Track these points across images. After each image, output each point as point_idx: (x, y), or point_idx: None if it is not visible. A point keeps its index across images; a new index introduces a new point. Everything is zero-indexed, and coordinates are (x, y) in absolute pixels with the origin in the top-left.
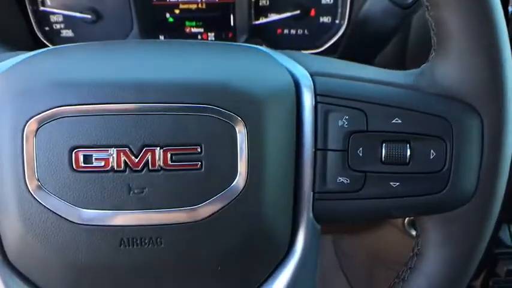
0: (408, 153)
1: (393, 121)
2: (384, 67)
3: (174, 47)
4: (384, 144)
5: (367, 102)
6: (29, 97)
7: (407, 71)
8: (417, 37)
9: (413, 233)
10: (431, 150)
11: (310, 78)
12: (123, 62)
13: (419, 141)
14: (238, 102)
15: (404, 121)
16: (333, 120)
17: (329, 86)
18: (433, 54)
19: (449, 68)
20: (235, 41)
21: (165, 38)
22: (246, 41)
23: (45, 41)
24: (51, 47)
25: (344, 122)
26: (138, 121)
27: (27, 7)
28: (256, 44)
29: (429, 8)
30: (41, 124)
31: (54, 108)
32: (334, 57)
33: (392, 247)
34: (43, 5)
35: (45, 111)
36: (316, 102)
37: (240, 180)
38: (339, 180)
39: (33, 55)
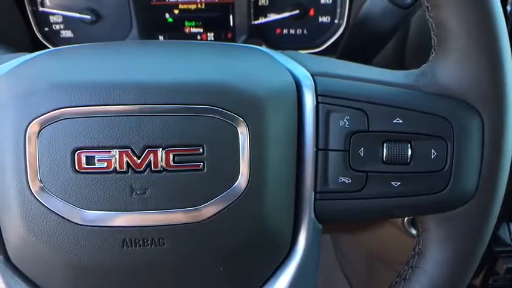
0: (409, 153)
1: (394, 121)
2: (384, 67)
3: (175, 48)
4: (385, 144)
5: (368, 103)
6: (31, 99)
7: (407, 71)
8: (416, 37)
9: (414, 232)
10: (432, 150)
11: (311, 79)
12: (125, 63)
13: (420, 141)
14: (240, 103)
15: (405, 121)
16: (334, 121)
17: (330, 87)
18: (434, 54)
19: (449, 68)
20: (234, 41)
21: (164, 38)
22: (246, 41)
23: (44, 42)
24: (51, 48)
25: (345, 122)
26: (140, 122)
27: (27, 8)
28: (256, 44)
29: (429, 8)
30: (44, 126)
31: (56, 109)
32: (334, 57)
33: (392, 246)
34: (42, 5)
35: (47, 112)
36: (318, 103)
37: (242, 180)
38: (341, 180)
39: (35, 57)
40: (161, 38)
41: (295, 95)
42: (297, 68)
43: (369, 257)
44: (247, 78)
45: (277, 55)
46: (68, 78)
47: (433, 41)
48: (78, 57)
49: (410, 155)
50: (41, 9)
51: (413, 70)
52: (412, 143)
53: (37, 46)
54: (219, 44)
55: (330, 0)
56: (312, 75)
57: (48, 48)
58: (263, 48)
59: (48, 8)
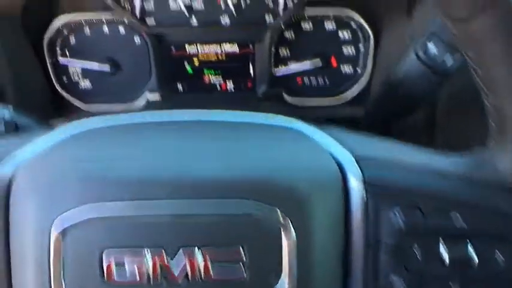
0: (470, 252)
1: (451, 216)
2: (412, 125)
3: (208, 132)
4: (442, 241)
5: (421, 195)
6: (54, 195)
7: (457, 156)
8: (448, 98)
9: None
10: (497, 251)
11: (357, 165)
12: (154, 155)
13: (481, 239)
14: (282, 198)
15: (464, 217)
16: (384, 213)
17: (378, 175)
18: (493, 142)
19: None
20: (254, 90)
21: (183, 87)
22: (266, 91)
23: (63, 93)
24: (69, 99)
25: (396, 215)
26: (173, 220)
27: (46, 60)
28: (277, 93)
29: (487, 95)
30: (69, 224)
31: (82, 205)
32: (361, 110)
33: None
34: (62, 55)
35: (72, 209)
36: (366, 192)
37: (285, 283)
38: (392, 279)
39: (59, 144)
40: (180, 86)
41: (341, 184)
42: (340, 151)
43: None
44: (287, 169)
45: (317, 135)
46: (94, 171)
47: (490, 128)
48: (103, 147)
49: (471, 254)
50: (60, 60)
51: (464, 156)
52: (473, 241)
53: (56, 96)
54: (252, 122)
55: (352, 50)
56: (357, 160)
57: (66, 99)
58: (300, 124)
59: (68, 58)
